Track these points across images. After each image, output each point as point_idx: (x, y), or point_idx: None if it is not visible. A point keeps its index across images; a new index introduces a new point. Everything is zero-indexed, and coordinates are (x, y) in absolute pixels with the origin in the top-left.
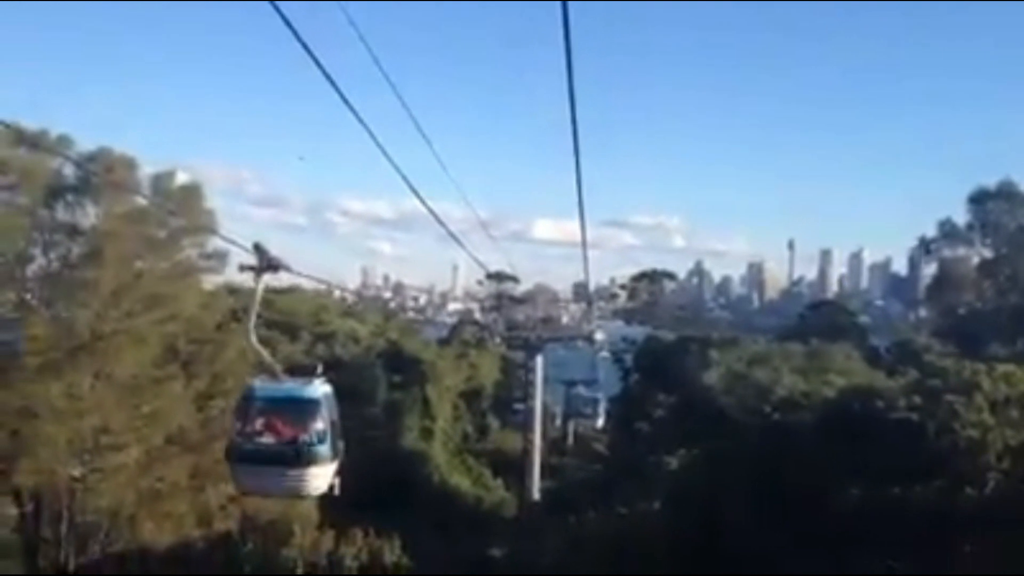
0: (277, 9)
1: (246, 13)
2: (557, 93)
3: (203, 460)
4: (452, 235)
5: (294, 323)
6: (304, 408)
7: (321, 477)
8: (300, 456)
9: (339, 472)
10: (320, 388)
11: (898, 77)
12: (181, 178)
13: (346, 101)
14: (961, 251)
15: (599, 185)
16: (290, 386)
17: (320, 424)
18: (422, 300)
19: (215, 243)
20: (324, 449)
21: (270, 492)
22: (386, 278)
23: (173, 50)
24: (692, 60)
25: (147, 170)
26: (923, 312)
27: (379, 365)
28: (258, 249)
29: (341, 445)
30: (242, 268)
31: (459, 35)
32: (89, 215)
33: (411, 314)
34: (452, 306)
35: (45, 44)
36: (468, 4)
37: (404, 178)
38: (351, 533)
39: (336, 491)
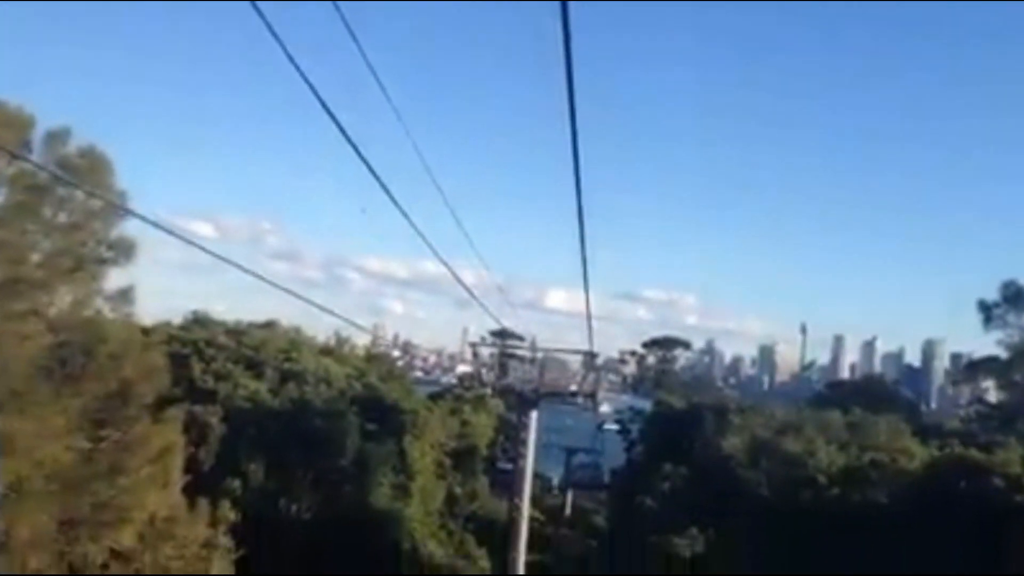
0: (304, 77)
1: (274, 71)
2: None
3: (81, 503)
4: (469, 291)
5: (261, 359)
6: None
7: None
8: None
9: None
10: None
11: (917, 172)
12: (80, 142)
13: (371, 169)
14: None
15: (613, 257)
16: None
17: None
18: (431, 361)
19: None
20: None
21: None
22: (396, 337)
23: (195, 99)
24: (712, 139)
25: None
26: (934, 404)
27: (353, 411)
28: None
29: None
30: None
31: (478, 102)
32: None
33: (419, 374)
34: (460, 368)
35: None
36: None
37: (425, 240)
38: None
39: None
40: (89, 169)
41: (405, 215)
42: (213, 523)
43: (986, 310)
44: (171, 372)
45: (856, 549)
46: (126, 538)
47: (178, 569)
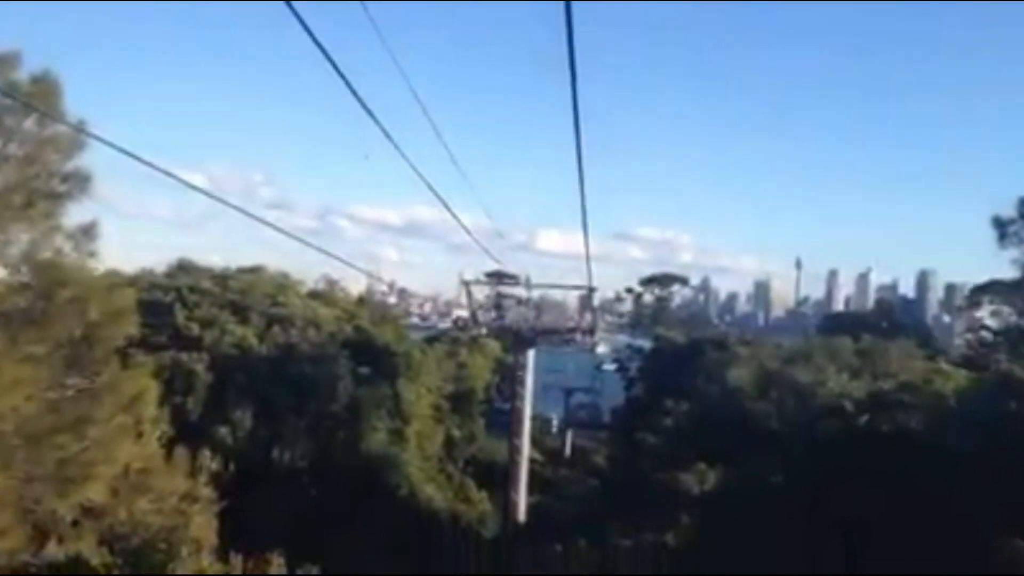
0: (300, 19)
1: (267, 16)
2: (564, 103)
3: (47, 457)
4: (470, 233)
5: (247, 303)
6: None
7: None
8: None
9: None
10: None
11: (910, 100)
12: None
13: (370, 113)
14: None
15: (606, 197)
16: None
17: None
18: (427, 307)
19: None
20: None
21: None
22: (391, 284)
23: (185, 47)
24: (703, 76)
25: None
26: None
27: (344, 355)
28: None
29: None
30: None
31: (466, 43)
32: None
33: (416, 320)
34: (457, 313)
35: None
36: (473, 9)
37: (428, 185)
38: (267, 559)
39: None
40: (42, 96)
41: (403, 155)
42: (193, 473)
43: (1001, 227)
44: (154, 320)
45: (889, 477)
46: (97, 493)
47: (156, 523)
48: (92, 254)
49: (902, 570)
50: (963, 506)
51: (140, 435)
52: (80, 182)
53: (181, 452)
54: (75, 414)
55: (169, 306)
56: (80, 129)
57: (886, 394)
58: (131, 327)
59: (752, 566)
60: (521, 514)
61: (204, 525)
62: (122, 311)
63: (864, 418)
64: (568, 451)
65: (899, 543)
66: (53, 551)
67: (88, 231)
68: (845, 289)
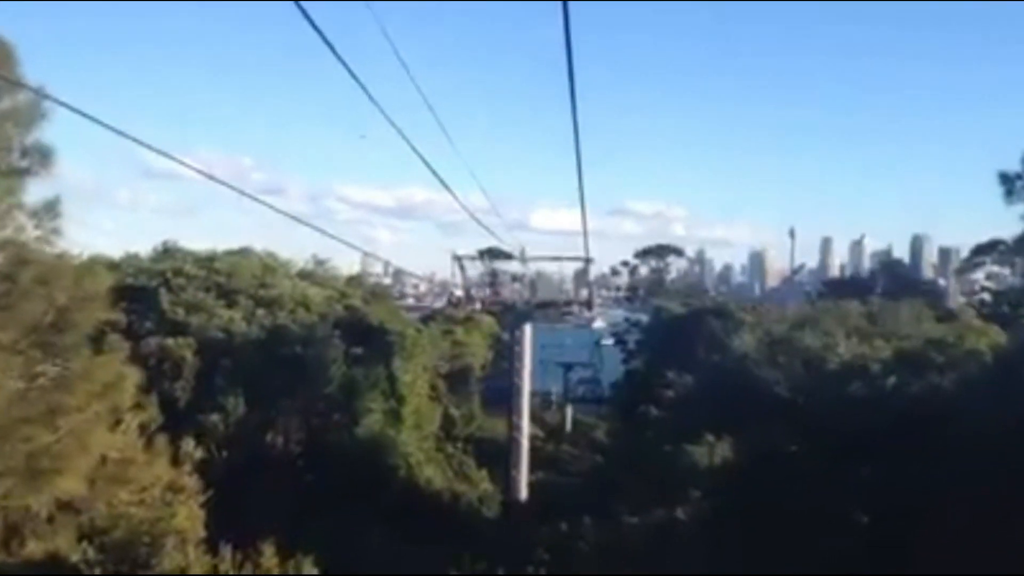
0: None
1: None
2: (558, 78)
3: (17, 450)
4: (467, 210)
5: (233, 286)
6: None
7: None
8: None
9: None
10: None
11: (901, 67)
12: None
13: (368, 94)
14: None
15: (599, 172)
16: None
17: None
18: (422, 287)
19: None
20: None
21: None
22: (386, 265)
23: (173, 33)
24: (695, 44)
25: None
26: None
27: (336, 336)
28: None
29: None
30: None
31: (459, 22)
32: None
33: (411, 301)
34: (451, 291)
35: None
36: None
37: (426, 163)
38: (258, 551)
39: None
40: None
41: (401, 134)
42: (176, 462)
43: (1008, 183)
44: (139, 305)
45: (920, 442)
46: (72, 485)
47: (139, 515)
48: (56, 231)
49: (932, 546)
50: (1006, 474)
51: (118, 423)
52: (41, 156)
53: (162, 441)
54: (46, 403)
55: (154, 291)
56: (43, 94)
57: (915, 354)
58: (104, 311)
59: (769, 541)
60: (523, 492)
61: (190, 516)
62: (94, 295)
63: (891, 380)
64: (569, 427)
65: (930, 513)
66: (31, 548)
67: (51, 208)
68: (839, 257)
